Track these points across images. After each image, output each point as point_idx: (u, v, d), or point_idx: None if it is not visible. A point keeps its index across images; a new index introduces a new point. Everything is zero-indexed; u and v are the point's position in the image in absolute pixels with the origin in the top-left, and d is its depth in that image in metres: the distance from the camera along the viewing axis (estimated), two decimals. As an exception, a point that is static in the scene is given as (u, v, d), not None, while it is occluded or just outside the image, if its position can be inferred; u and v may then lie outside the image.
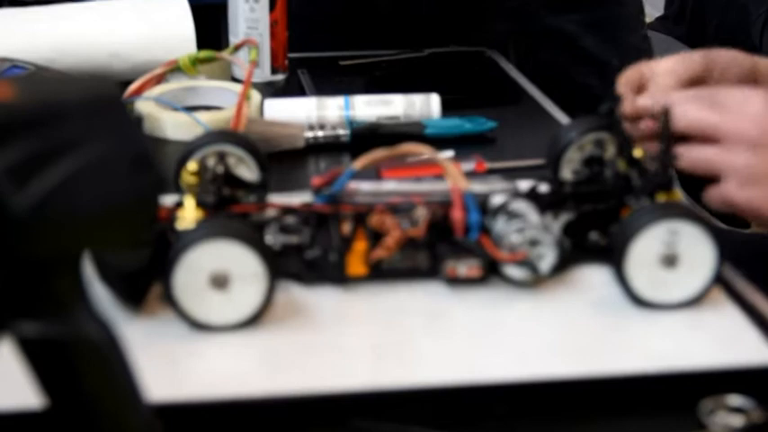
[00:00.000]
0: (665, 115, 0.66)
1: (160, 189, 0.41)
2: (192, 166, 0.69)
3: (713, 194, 0.72)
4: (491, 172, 0.86)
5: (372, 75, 1.17)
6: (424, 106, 0.97)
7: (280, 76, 1.13)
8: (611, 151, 0.73)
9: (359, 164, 0.68)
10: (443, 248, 0.66)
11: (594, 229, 0.70)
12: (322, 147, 0.93)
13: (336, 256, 0.66)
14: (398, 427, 0.55)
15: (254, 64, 1.02)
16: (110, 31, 1.07)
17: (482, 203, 0.68)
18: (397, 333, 0.62)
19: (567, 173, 0.74)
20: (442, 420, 0.55)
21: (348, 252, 0.66)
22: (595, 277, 0.67)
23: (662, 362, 0.59)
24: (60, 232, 0.38)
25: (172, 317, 0.61)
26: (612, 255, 0.64)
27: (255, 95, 0.98)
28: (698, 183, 0.72)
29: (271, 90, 1.09)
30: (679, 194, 0.69)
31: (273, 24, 1.11)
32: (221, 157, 0.71)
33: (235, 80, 1.07)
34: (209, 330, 0.61)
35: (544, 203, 0.70)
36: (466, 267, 0.65)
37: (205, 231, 0.61)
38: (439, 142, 0.89)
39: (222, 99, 1.00)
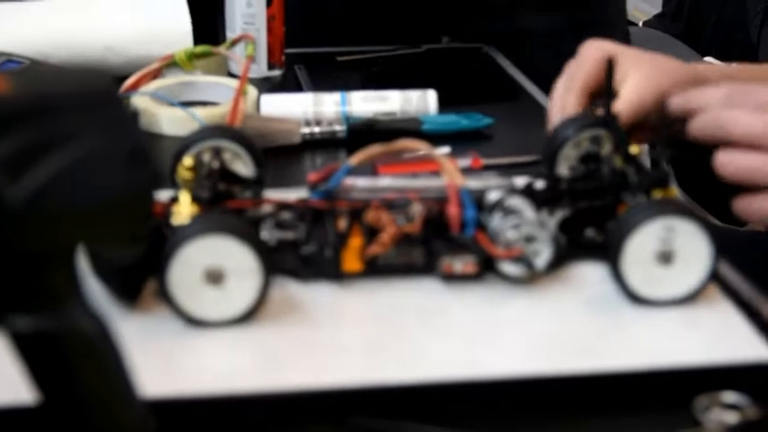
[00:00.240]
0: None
1: (155, 183, 0.41)
2: (187, 161, 0.69)
3: (754, 206, 0.66)
4: (487, 168, 0.86)
5: (369, 71, 1.17)
6: (421, 102, 0.97)
7: (276, 72, 1.13)
8: (607, 148, 0.73)
9: (355, 160, 0.67)
10: (439, 245, 0.66)
11: (590, 225, 0.70)
12: (318, 143, 0.92)
13: (332, 252, 0.66)
14: (393, 423, 0.55)
15: (251, 59, 1.02)
16: (105, 25, 1.06)
17: (478, 200, 0.68)
18: (392, 329, 0.62)
19: (563, 169, 0.74)
20: (437, 416, 0.55)
21: (344, 248, 0.66)
22: (591, 274, 0.67)
23: (657, 358, 0.59)
24: (54, 226, 0.38)
25: (167, 312, 0.61)
26: (608, 251, 0.64)
27: (252, 91, 0.97)
28: (695, 181, 0.72)
29: (267, 86, 1.09)
30: (675, 191, 0.69)
31: (270, 20, 1.10)
32: (217, 152, 0.71)
33: (231, 75, 1.07)
34: (204, 326, 0.61)
35: (540, 200, 0.70)
36: (461, 264, 0.65)
37: (200, 227, 0.60)
38: (435, 138, 0.90)
39: (218, 94, 1.00)
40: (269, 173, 0.73)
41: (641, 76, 0.78)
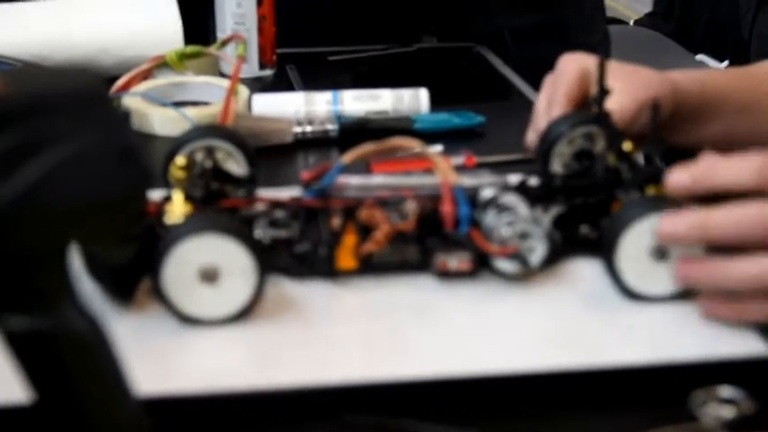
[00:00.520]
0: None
1: (147, 182, 0.41)
2: (180, 160, 0.69)
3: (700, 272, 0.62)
4: (480, 166, 0.86)
5: (361, 70, 1.17)
6: (413, 101, 0.97)
7: (268, 72, 1.13)
8: (600, 145, 0.73)
9: (348, 158, 0.67)
10: (433, 242, 0.66)
11: (585, 222, 0.70)
12: (310, 142, 0.92)
13: (326, 250, 0.66)
14: (389, 420, 0.55)
15: (242, 59, 1.02)
16: (96, 26, 1.06)
17: (472, 197, 0.68)
18: (387, 326, 0.62)
19: (557, 166, 0.74)
20: (432, 413, 0.55)
21: (338, 246, 0.66)
22: (586, 270, 0.67)
23: (653, 354, 0.59)
24: (45, 225, 0.38)
25: (161, 311, 0.60)
26: (603, 247, 0.64)
27: (243, 91, 0.97)
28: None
29: (259, 85, 1.08)
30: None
31: (261, 19, 1.10)
32: (210, 151, 0.71)
33: (222, 75, 1.07)
34: (199, 324, 0.60)
35: (534, 197, 0.70)
36: (456, 261, 0.65)
37: (194, 225, 0.60)
38: (428, 137, 0.89)
39: (210, 94, 1.00)
40: (261, 172, 0.72)
41: (621, 87, 0.78)
